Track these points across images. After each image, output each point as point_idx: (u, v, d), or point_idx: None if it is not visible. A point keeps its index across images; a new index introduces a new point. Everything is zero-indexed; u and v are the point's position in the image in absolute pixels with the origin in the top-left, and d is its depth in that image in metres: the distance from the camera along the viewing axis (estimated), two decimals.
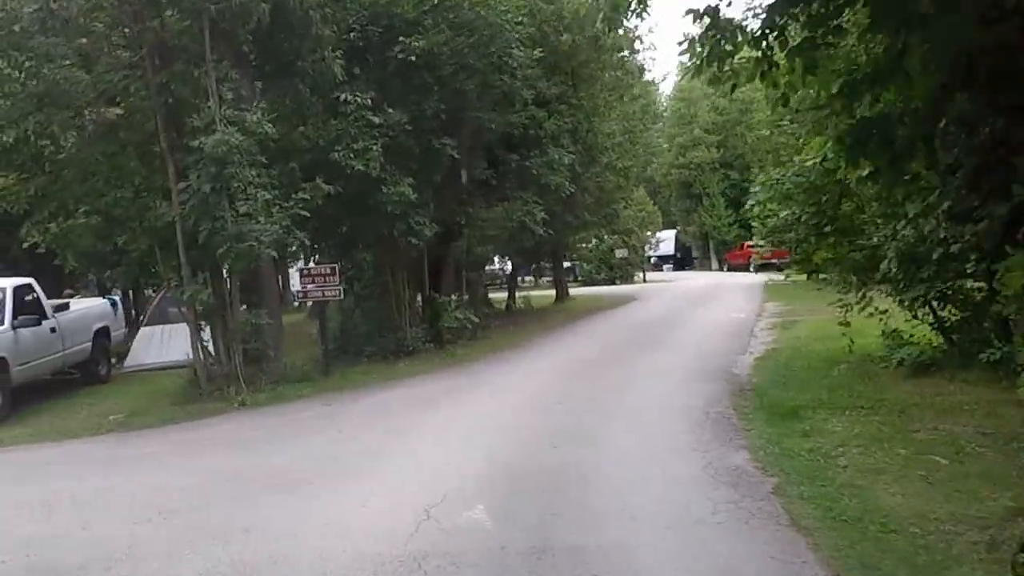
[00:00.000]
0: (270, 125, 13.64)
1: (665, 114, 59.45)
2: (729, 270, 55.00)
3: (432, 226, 17.39)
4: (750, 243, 55.22)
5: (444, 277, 20.22)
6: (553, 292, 34.99)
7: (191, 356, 14.50)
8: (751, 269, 52.84)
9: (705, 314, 23.83)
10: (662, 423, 10.34)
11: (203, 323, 14.49)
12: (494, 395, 12.66)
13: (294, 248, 14.15)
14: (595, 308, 28.68)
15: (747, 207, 14.53)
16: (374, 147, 15.30)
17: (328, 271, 15.28)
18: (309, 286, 15.20)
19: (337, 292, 15.29)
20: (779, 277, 44.32)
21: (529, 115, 20.11)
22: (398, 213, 16.11)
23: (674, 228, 61.42)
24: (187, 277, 13.97)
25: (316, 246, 18.16)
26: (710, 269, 58.87)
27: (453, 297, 19.71)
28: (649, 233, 48.95)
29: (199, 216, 13.25)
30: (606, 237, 43.06)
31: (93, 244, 14.66)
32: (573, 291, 37.07)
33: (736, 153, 57.47)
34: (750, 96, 57.80)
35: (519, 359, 16.40)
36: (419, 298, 19.38)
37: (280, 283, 17.88)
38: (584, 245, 41.44)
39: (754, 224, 15.70)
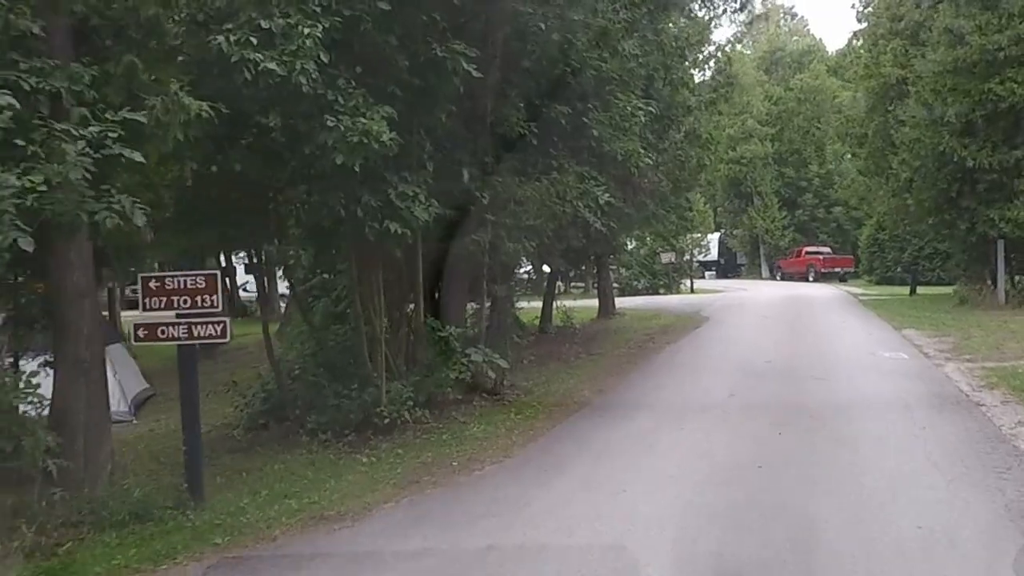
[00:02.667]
0: None
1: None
2: (783, 278, 46.51)
3: (431, 204, 9.20)
4: (807, 249, 46.79)
5: (451, 291, 11.91)
6: (592, 303, 26.71)
7: None
8: (809, 278, 44.46)
9: (835, 350, 15.50)
10: None
11: None
12: None
13: (88, 220, 5.85)
14: (658, 331, 20.36)
15: None
16: (306, 33, 7.10)
17: (200, 283, 6.94)
18: (154, 314, 6.83)
19: (219, 328, 6.95)
20: (856, 289, 36.03)
21: (601, 27, 11.88)
22: (360, 171, 7.89)
23: (718, 231, 52.82)
24: None
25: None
26: (760, 277, 50.29)
27: (462, 325, 11.51)
28: (699, 235, 40.43)
29: None
30: (648, 239, 34.78)
31: None
32: (616, 302, 28.51)
33: (792, 148, 49.00)
34: (810, 84, 49.44)
35: (587, 467, 8.02)
36: (409, 325, 11.08)
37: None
38: (627, 247, 33.02)
39: None
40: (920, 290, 30.56)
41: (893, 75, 25.53)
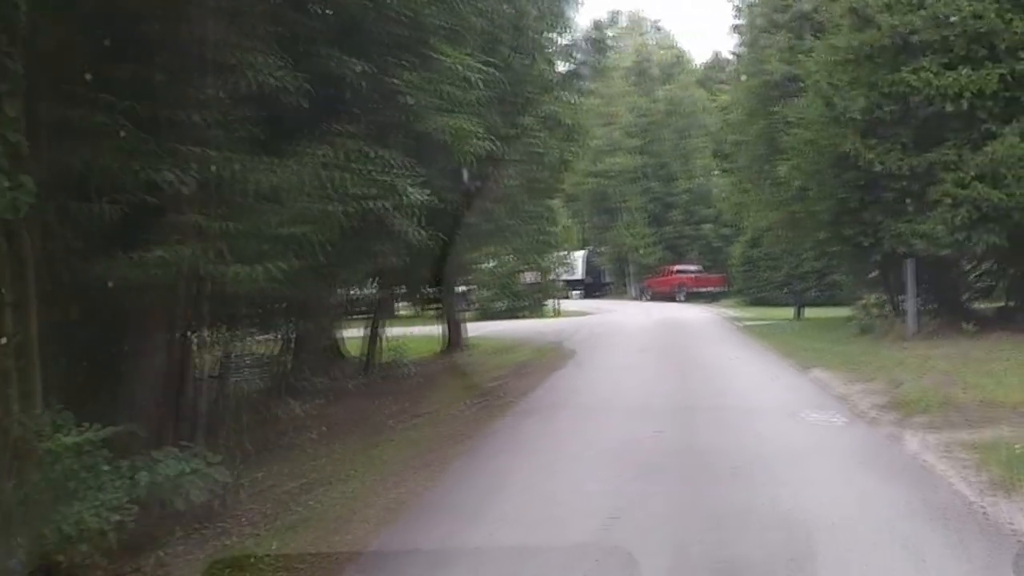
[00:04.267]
0: None
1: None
2: (651, 299, 43.19)
3: (22, 185, 4.25)
4: (677, 267, 43.62)
5: (131, 355, 6.81)
6: (440, 331, 21.83)
7: None
8: (678, 298, 41.24)
9: (742, 409, 11.33)
10: None
11: None
12: None
13: None
14: (511, 373, 15.86)
15: None
16: None
17: None
18: None
19: None
20: (731, 312, 32.64)
21: None
22: None
23: (584, 248, 49.16)
24: None
25: None
26: (627, 296, 46.87)
27: (154, 413, 6.46)
28: (564, 253, 36.33)
29: None
30: (510, 257, 30.23)
31: None
32: (471, 328, 23.64)
33: (660, 161, 45.90)
34: (678, 95, 46.58)
35: None
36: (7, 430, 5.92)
37: None
38: (484, 265, 28.36)
39: None
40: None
41: (779, 72, 22.06)
